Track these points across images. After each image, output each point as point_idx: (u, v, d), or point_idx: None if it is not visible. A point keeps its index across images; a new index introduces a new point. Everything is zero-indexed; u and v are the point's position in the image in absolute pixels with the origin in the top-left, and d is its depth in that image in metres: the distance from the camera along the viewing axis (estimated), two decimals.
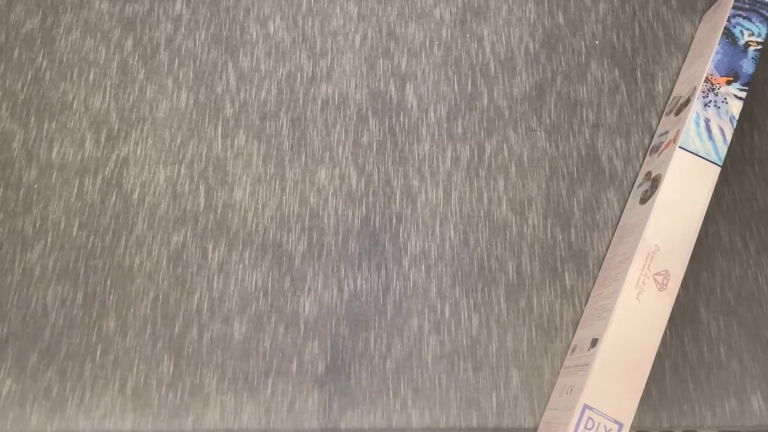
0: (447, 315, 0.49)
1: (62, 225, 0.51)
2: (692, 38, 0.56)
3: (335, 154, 0.53)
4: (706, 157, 0.46)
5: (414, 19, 0.57)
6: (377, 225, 0.51)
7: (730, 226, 0.51)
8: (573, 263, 0.50)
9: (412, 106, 0.54)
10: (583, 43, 0.56)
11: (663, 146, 0.50)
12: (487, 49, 0.56)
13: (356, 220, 0.51)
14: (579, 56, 0.55)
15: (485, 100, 0.54)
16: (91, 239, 0.51)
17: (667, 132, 0.51)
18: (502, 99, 0.54)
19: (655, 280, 0.43)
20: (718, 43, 0.50)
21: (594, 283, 0.49)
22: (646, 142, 0.53)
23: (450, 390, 0.47)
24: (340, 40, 0.56)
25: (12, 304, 0.49)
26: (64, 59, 0.56)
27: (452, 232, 0.51)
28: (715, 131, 0.47)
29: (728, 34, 0.50)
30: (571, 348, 0.47)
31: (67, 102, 0.54)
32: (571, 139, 0.53)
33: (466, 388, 0.47)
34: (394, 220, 0.51)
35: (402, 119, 0.54)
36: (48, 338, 0.48)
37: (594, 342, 0.43)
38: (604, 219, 0.51)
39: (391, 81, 0.55)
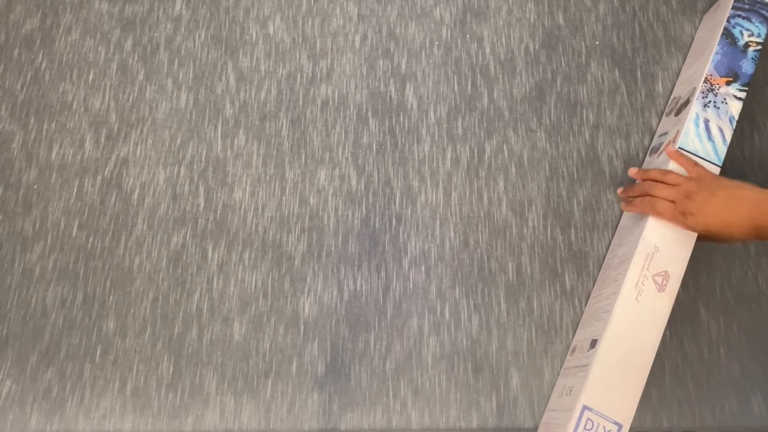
0: (447, 316, 0.48)
1: (62, 225, 0.51)
2: (692, 38, 0.56)
3: (335, 154, 0.53)
4: (706, 158, 0.46)
5: (414, 19, 0.57)
6: (377, 226, 0.51)
7: None
8: (573, 264, 0.50)
9: (412, 106, 0.54)
10: (583, 43, 0.56)
11: (663, 147, 0.50)
12: (487, 50, 0.56)
13: (356, 221, 0.51)
14: (579, 56, 0.55)
15: (485, 101, 0.54)
16: (90, 240, 0.51)
17: (667, 132, 0.50)
18: (502, 99, 0.54)
19: (654, 280, 0.43)
20: (718, 44, 0.49)
21: (594, 284, 0.49)
22: (646, 142, 0.53)
23: (450, 391, 0.47)
24: (340, 41, 0.56)
25: (12, 305, 0.49)
26: (64, 59, 0.56)
27: (452, 233, 0.51)
28: (715, 132, 0.47)
29: (728, 34, 0.50)
30: (570, 349, 0.47)
31: (67, 102, 0.54)
32: (571, 139, 0.53)
33: (466, 389, 0.47)
34: (393, 221, 0.51)
35: (402, 120, 0.54)
36: (48, 338, 0.48)
37: (593, 343, 0.43)
38: (604, 220, 0.51)
39: (391, 81, 0.55)
